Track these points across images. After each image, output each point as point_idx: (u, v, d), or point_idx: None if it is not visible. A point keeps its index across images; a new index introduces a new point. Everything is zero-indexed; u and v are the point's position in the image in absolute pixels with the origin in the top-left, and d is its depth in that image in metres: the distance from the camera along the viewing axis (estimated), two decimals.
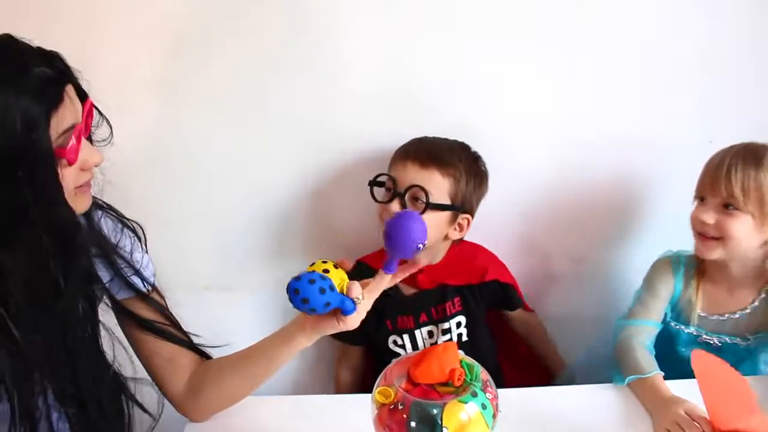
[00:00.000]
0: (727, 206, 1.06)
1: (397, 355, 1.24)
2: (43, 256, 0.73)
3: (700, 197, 1.11)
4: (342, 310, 0.79)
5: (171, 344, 0.94)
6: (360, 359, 1.37)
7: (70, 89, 0.73)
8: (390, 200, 1.15)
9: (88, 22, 1.17)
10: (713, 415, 0.88)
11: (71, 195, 0.76)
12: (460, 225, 1.19)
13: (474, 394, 0.72)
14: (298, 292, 0.75)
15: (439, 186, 1.14)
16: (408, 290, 1.25)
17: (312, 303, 0.75)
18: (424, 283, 1.23)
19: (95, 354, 0.86)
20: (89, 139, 0.81)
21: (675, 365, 1.05)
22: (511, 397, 0.90)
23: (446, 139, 1.21)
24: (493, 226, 1.27)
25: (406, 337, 1.25)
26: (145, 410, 0.93)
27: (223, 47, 1.21)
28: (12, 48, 0.70)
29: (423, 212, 1.12)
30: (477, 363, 0.78)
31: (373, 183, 1.20)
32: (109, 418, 0.87)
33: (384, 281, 0.84)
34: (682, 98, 1.28)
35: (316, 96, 1.24)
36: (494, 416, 0.73)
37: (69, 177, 0.74)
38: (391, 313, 1.24)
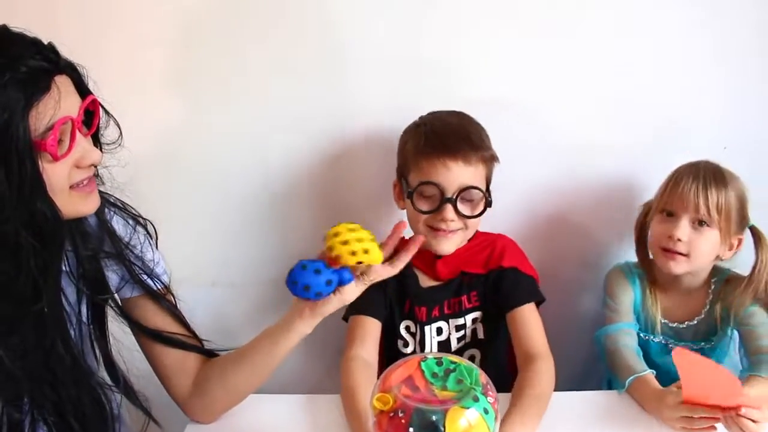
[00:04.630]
0: (700, 223, 1.08)
1: (406, 342, 1.18)
2: (21, 254, 0.69)
3: (668, 212, 1.11)
4: (341, 282, 0.82)
5: (178, 349, 0.93)
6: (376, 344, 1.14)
7: (63, 81, 0.71)
8: (438, 209, 1.07)
9: (98, 20, 1.17)
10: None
11: (65, 194, 0.73)
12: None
13: (475, 399, 0.70)
14: (296, 282, 0.79)
15: (482, 177, 1.09)
16: (426, 281, 1.18)
17: (314, 287, 0.79)
18: (443, 273, 1.16)
19: (79, 359, 0.82)
20: (97, 139, 0.79)
21: None
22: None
23: (455, 116, 1.13)
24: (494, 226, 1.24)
25: (417, 327, 1.17)
26: (150, 417, 0.92)
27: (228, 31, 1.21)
28: (3, 38, 0.69)
29: (482, 213, 1.09)
30: (475, 366, 0.75)
31: (414, 192, 1.08)
32: (90, 428, 0.82)
33: (382, 272, 0.87)
34: (696, 104, 1.26)
35: (325, 95, 1.23)
36: (496, 419, 0.72)
37: (59, 173, 0.71)
38: (409, 297, 1.18)
